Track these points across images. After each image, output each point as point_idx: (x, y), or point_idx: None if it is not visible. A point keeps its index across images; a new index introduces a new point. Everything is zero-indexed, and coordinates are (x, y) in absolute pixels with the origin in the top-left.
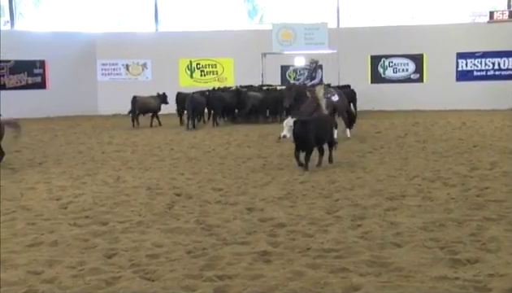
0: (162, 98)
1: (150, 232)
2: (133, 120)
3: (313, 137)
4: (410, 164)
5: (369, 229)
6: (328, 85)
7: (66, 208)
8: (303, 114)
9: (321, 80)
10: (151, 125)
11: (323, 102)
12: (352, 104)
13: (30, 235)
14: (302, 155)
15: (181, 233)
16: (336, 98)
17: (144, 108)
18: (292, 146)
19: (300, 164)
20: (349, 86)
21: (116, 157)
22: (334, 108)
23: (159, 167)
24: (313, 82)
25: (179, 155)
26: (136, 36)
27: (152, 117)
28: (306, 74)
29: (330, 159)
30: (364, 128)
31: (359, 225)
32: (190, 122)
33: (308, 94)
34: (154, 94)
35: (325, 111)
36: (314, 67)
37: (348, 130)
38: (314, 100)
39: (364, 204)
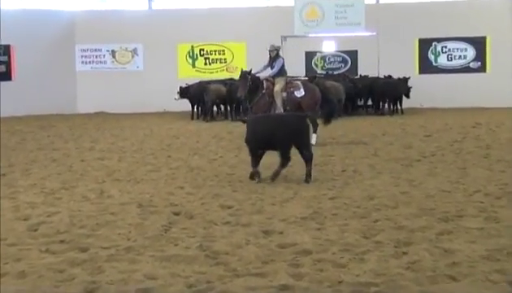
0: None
1: (142, 260)
2: (206, 114)
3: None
4: (469, 176)
5: (417, 257)
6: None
7: (36, 231)
8: (253, 110)
9: (281, 70)
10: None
11: (280, 98)
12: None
13: None
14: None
15: (180, 262)
16: (300, 93)
17: (219, 98)
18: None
19: (253, 175)
20: (390, 77)
21: (99, 166)
22: (298, 106)
23: (153, 179)
24: (272, 72)
25: (178, 163)
26: (125, 15)
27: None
28: (266, 63)
29: (307, 177)
30: (410, 130)
31: (404, 253)
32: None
33: (264, 85)
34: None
35: (279, 109)
36: (276, 54)
37: (314, 135)
38: (268, 94)
39: (411, 226)
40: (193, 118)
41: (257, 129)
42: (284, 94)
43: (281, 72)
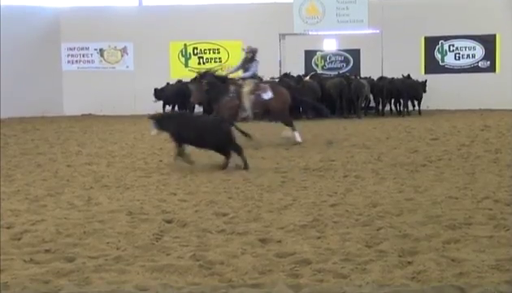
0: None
1: (132, 271)
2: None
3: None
4: (478, 182)
5: (422, 267)
6: (266, 80)
7: (20, 240)
8: (219, 113)
9: (254, 74)
10: None
11: (247, 101)
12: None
13: None
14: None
15: (173, 273)
16: (267, 95)
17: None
18: None
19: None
20: (407, 77)
21: (87, 172)
22: (266, 108)
23: (144, 185)
24: (245, 75)
25: (170, 168)
26: (114, 12)
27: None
28: (239, 64)
29: (244, 165)
30: (416, 133)
31: (409, 263)
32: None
33: (232, 88)
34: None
35: (247, 112)
36: (251, 57)
37: (296, 134)
38: (235, 97)
39: (416, 235)
40: None
41: (172, 127)
42: (252, 97)
43: (254, 75)
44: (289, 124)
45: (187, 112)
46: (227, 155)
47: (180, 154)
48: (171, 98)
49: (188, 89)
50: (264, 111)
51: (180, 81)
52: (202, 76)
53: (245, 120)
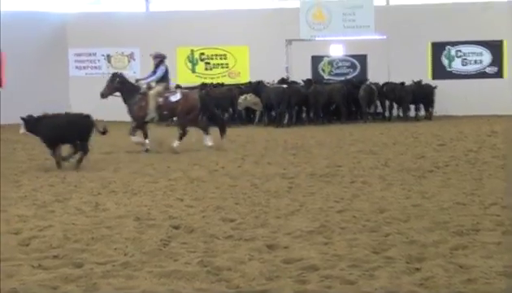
0: None
1: (139, 277)
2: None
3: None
4: (486, 188)
5: (430, 274)
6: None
7: (28, 245)
8: (131, 114)
9: (163, 77)
10: None
11: (153, 102)
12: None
13: None
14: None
15: (180, 279)
16: (176, 97)
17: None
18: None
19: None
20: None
21: (94, 177)
22: (174, 110)
23: (151, 190)
24: (151, 78)
25: (177, 174)
26: (121, 17)
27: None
28: (150, 72)
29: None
30: (423, 138)
31: (417, 269)
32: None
33: (142, 89)
34: None
35: (152, 113)
36: (159, 62)
37: (208, 137)
38: (143, 99)
39: (423, 241)
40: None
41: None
42: (161, 99)
43: (163, 79)
44: (203, 128)
45: (55, 113)
46: (84, 150)
47: (58, 160)
48: None
49: None
50: (172, 113)
51: (178, 87)
52: (114, 76)
53: (151, 121)
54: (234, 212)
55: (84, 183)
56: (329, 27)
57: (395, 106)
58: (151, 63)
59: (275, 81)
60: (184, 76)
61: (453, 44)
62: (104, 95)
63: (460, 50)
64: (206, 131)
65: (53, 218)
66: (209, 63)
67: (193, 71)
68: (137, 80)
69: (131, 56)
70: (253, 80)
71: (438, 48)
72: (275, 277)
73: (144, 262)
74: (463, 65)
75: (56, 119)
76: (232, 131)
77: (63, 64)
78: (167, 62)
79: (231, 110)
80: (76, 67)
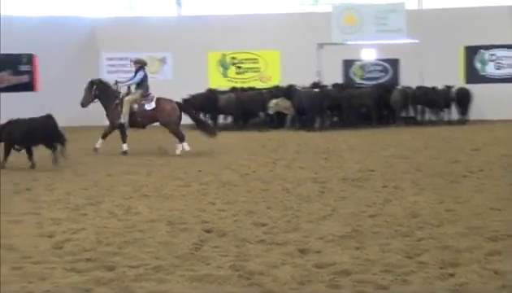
0: None
1: (171, 280)
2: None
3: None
4: None
5: (464, 279)
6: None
7: (61, 248)
8: (109, 118)
9: (141, 84)
10: None
11: (127, 107)
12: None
13: (15, 283)
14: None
15: (212, 283)
16: (150, 106)
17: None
18: None
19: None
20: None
21: (127, 181)
22: (150, 118)
23: (183, 194)
24: (129, 82)
25: (208, 178)
26: (153, 22)
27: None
28: (130, 77)
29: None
30: (456, 143)
31: (451, 275)
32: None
33: (119, 95)
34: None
35: (124, 119)
36: (139, 68)
37: (182, 146)
38: (120, 104)
39: (457, 246)
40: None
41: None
42: (136, 106)
43: (141, 85)
44: (178, 136)
45: (19, 119)
46: (53, 148)
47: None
48: (198, 106)
49: (216, 97)
50: (149, 120)
51: (209, 90)
52: (92, 83)
53: (122, 126)
54: (266, 217)
55: (117, 187)
56: (361, 31)
57: (427, 110)
58: (184, 68)
59: (307, 85)
60: (215, 81)
61: (487, 48)
62: (84, 104)
63: (493, 54)
64: (181, 140)
65: (85, 221)
66: (240, 68)
67: (225, 75)
68: (117, 82)
69: (163, 60)
70: (285, 84)
71: (471, 52)
72: (307, 281)
73: (176, 266)
74: (496, 69)
75: (19, 124)
76: (263, 135)
77: (96, 68)
78: (147, 69)
79: (261, 114)
80: (108, 72)
